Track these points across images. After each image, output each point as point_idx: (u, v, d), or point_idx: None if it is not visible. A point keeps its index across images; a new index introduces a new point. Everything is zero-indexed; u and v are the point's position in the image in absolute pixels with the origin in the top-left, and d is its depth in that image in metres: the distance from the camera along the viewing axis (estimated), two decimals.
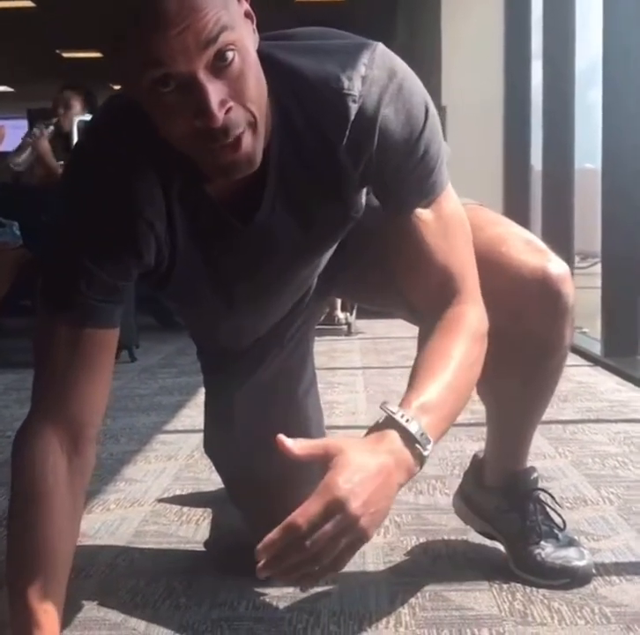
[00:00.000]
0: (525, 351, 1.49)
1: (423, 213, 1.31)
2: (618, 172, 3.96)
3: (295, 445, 1.12)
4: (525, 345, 1.48)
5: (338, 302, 5.48)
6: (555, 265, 1.46)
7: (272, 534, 1.08)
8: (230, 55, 1.10)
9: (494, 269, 1.39)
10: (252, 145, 1.16)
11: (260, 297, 1.46)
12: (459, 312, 1.31)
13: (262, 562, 1.08)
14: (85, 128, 1.37)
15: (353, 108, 1.24)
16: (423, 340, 1.31)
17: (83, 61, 12.15)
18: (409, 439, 1.15)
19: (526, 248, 1.47)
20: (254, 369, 1.60)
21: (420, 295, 1.36)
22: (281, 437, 1.12)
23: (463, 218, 1.35)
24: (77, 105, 4.75)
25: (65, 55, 12.62)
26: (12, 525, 1.27)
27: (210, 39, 1.07)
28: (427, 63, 6.72)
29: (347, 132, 1.25)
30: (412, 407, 1.19)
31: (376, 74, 1.24)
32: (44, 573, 1.21)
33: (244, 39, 1.12)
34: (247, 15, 1.17)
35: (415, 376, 1.25)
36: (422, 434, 1.16)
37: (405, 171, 1.28)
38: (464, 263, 1.33)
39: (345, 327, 5.33)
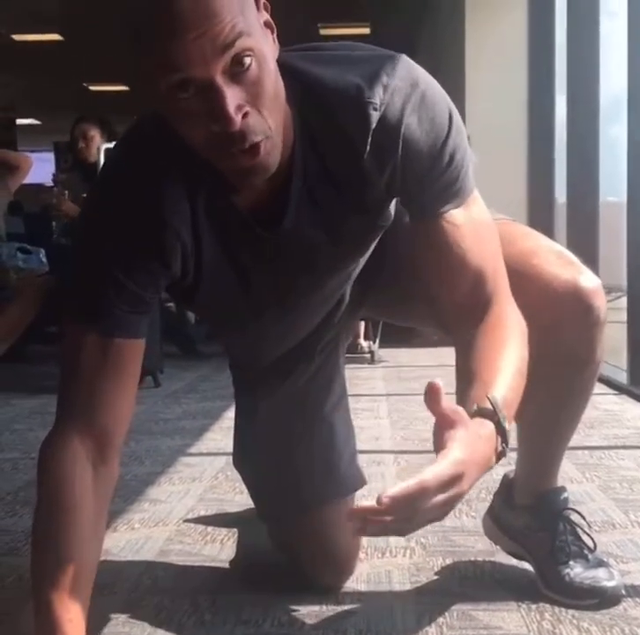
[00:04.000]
0: (557, 365, 1.47)
1: (452, 217, 1.30)
2: None
3: (443, 401, 1.09)
4: (557, 359, 1.47)
5: (362, 330, 5.48)
6: (587, 278, 1.45)
7: (402, 491, 1.04)
8: (247, 60, 1.10)
9: (525, 282, 1.39)
10: (270, 153, 1.17)
11: (288, 306, 1.46)
12: (500, 312, 1.31)
13: (382, 511, 1.04)
14: (116, 142, 1.39)
15: (374, 116, 1.24)
16: (469, 344, 1.29)
17: (110, 94, 12.31)
18: (503, 436, 1.17)
19: (558, 261, 1.46)
20: (282, 381, 1.61)
21: (454, 299, 1.34)
22: (437, 383, 1.08)
23: (489, 221, 1.35)
24: (96, 135, 4.81)
25: (92, 88, 12.77)
26: (38, 533, 1.26)
27: (226, 44, 1.08)
28: (450, 95, 6.73)
29: (369, 140, 1.25)
30: (499, 403, 1.18)
31: (399, 84, 1.24)
32: (69, 583, 1.20)
33: (262, 46, 1.13)
34: (267, 25, 1.17)
35: (481, 371, 1.24)
36: (509, 433, 1.18)
37: (431, 179, 1.28)
38: (494, 264, 1.33)
39: (368, 355, 5.33)
